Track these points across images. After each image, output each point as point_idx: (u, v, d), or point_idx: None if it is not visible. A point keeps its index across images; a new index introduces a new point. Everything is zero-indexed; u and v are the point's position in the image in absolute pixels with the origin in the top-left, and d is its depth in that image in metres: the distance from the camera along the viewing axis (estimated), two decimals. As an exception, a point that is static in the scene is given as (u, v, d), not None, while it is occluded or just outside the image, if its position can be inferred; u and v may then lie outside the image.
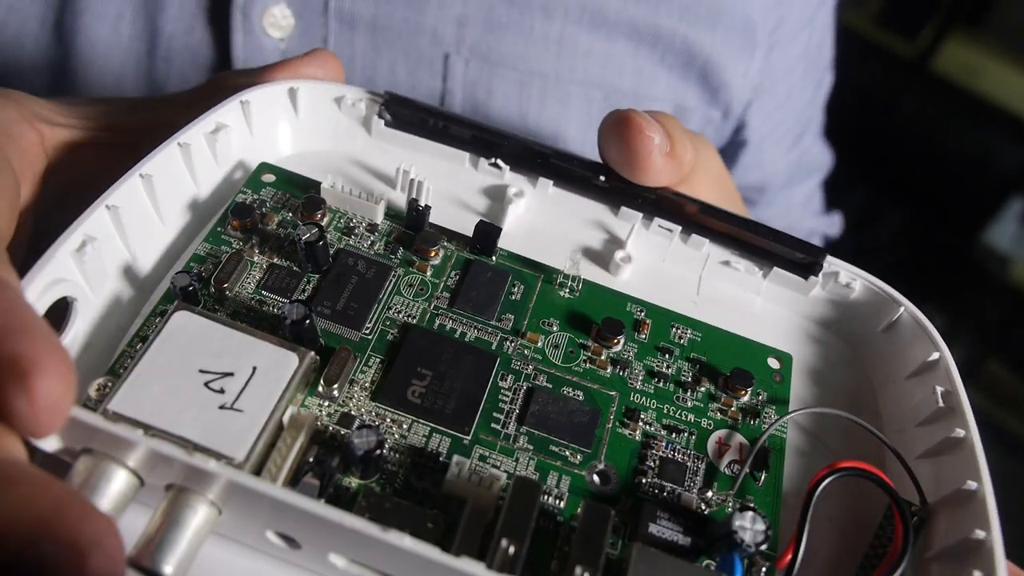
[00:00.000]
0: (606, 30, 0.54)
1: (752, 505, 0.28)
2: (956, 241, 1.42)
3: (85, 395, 0.27)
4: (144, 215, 0.30)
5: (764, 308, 0.36)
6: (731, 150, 0.67)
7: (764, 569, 0.28)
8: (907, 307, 0.34)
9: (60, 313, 0.28)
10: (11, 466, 0.21)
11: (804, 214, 0.77)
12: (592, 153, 0.58)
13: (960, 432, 0.30)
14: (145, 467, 0.24)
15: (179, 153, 0.31)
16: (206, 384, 0.26)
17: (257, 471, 0.26)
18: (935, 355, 0.32)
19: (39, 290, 0.25)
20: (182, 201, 0.32)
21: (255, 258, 0.31)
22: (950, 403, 0.31)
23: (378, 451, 0.26)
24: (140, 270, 0.30)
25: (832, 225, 0.80)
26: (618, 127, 0.33)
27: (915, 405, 0.32)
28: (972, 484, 0.28)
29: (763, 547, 0.26)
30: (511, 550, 0.24)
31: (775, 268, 0.35)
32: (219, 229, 0.32)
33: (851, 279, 0.35)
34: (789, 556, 0.27)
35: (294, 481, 0.26)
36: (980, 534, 0.27)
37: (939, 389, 0.31)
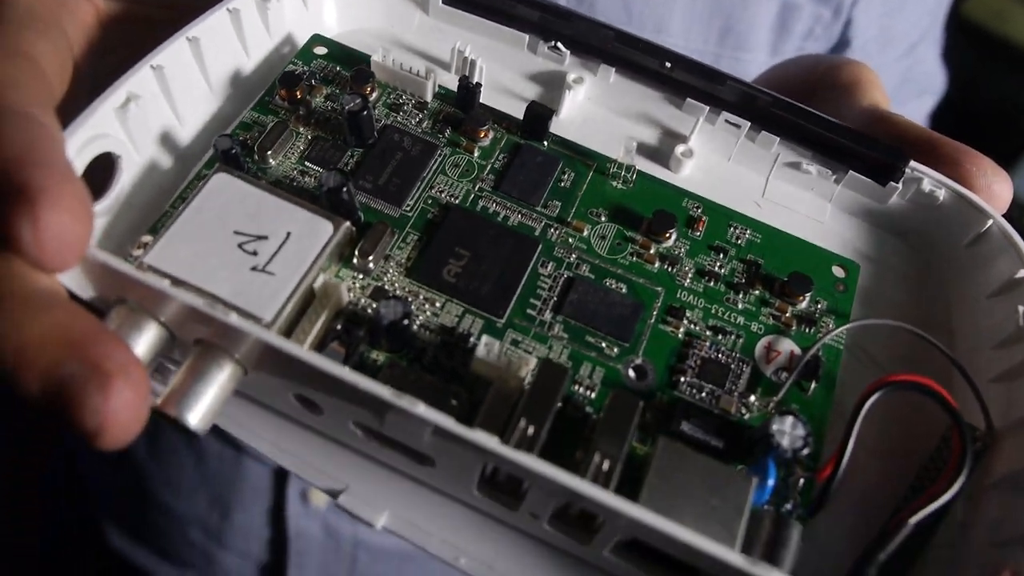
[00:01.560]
0: None
1: (791, 410, 0.26)
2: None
3: (127, 251, 0.27)
4: (191, 79, 0.30)
5: (836, 215, 0.34)
6: (834, 51, 0.62)
7: (802, 480, 0.26)
8: (996, 219, 0.31)
9: (107, 175, 0.28)
10: (47, 294, 0.21)
11: None
12: (694, 47, 0.56)
13: None
14: (175, 321, 0.24)
15: (228, 18, 0.30)
16: (240, 246, 0.26)
17: (286, 335, 0.26)
18: (1022, 272, 0.29)
19: (81, 142, 0.26)
20: (231, 69, 0.32)
21: (300, 129, 0.31)
22: (1032, 322, 0.28)
23: (405, 321, 0.25)
24: (186, 133, 0.30)
25: None
26: None
27: (994, 325, 0.30)
28: (1040, 407, 0.26)
29: (804, 453, 0.25)
30: (530, 430, 0.24)
31: (850, 172, 0.33)
32: (267, 98, 0.31)
33: (936, 186, 0.32)
34: (830, 470, 0.26)
35: (320, 347, 0.26)
36: (1044, 459, 0.25)
37: (1021, 308, 0.29)
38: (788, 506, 0.26)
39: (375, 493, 0.26)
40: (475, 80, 0.32)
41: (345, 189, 0.27)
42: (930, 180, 0.32)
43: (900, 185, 0.32)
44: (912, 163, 0.32)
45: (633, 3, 0.53)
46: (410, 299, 0.28)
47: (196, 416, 0.24)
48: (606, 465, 0.23)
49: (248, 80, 0.32)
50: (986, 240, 0.31)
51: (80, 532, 0.81)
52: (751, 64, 0.57)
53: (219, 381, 0.24)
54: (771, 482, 0.25)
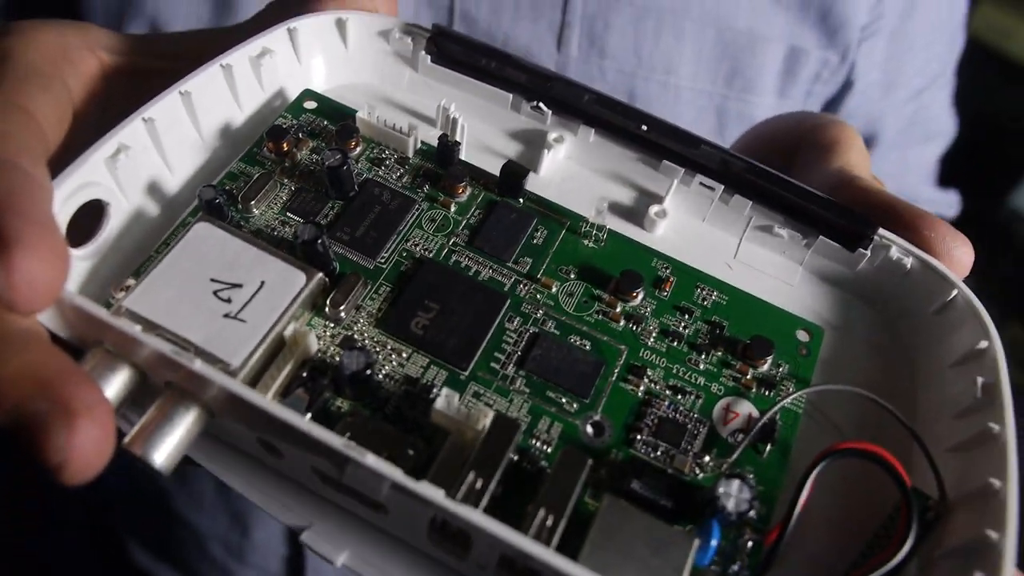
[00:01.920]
0: None
1: (741, 473, 0.27)
2: (983, 204, 1.36)
3: (110, 294, 0.28)
4: (182, 131, 0.31)
5: (805, 279, 0.34)
6: (839, 92, 0.63)
7: (751, 543, 0.27)
8: (961, 289, 0.31)
9: (96, 220, 0.29)
10: (25, 334, 0.23)
11: (920, 183, 0.72)
12: (702, 87, 0.57)
13: (995, 427, 0.28)
14: (147, 364, 0.25)
15: (221, 74, 0.32)
16: (215, 293, 0.27)
17: (254, 382, 0.27)
18: (983, 343, 0.30)
19: (70, 190, 0.27)
20: (223, 121, 0.33)
21: (285, 180, 0.32)
22: (990, 395, 0.29)
23: (367, 372, 0.26)
24: (175, 182, 0.32)
25: (949, 205, 0.74)
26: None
27: (954, 395, 0.30)
28: (996, 482, 0.26)
29: (749, 516, 0.25)
30: (478, 484, 0.24)
31: (820, 237, 0.33)
32: (255, 150, 0.33)
33: (904, 254, 0.32)
34: (777, 534, 0.26)
35: (285, 393, 0.27)
36: (992, 535, 0.25)
37: (980, 380, 0.29)
38: (735, 567, 0.26)
39: (337, 532, 0.27)
40: (455, 138, 0.34)
41: (320, 241, 0.28)
42: (898, 248, 0.33)
43: (868, 252, 0.33)
44: (880, 231, 0.33)
45: (643, 46, 0.55)
46: (378, 349, 0.29)
47: (161, 456, 0.25)
48: (550, 521, 0.24)
49: (239, 132, 0.34)
50: (951, 309, 0.32)
51: (102, 549, 0.82)
52: (758, 107, 0.59)
53: (185, 423, 0.25)
54: (714, 543, 0.25)
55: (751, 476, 0.28)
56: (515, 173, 0.32)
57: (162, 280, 0.27)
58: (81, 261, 0.29)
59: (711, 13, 0.55)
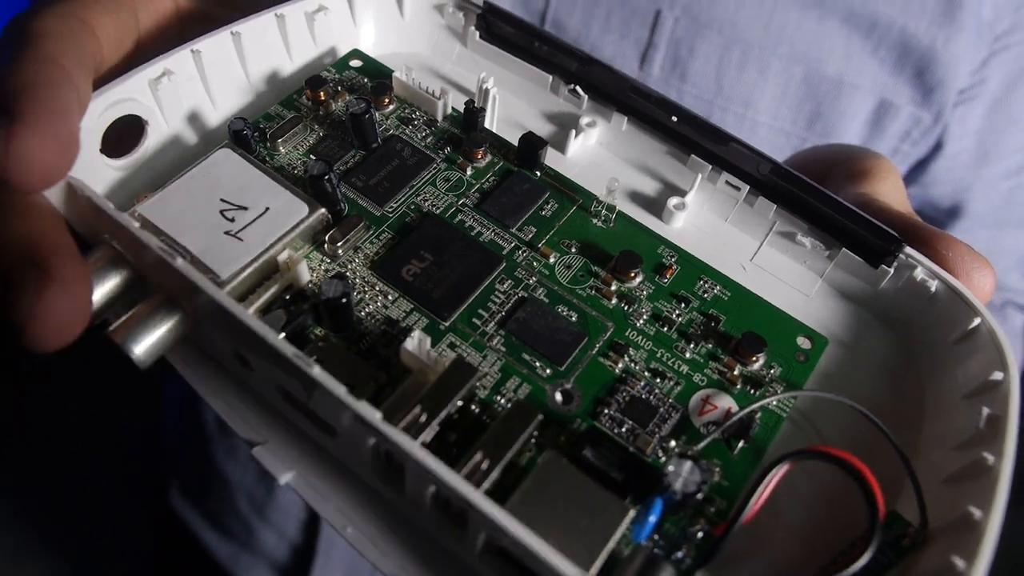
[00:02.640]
0: (820, 11, 0.52)
1: (698, 457, 0.26)
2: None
3: (133, 203, 0.30)
4: (230, 69, 0.34)
5: (823, 292, 0.33)
6: (928, 155, 0.61)
7: (701, 533, 0.25)
8: (985, 319, 0.29)
9: (137, 139, 0.32)
10: (29, 206, 0.25)
11: (1010, 269, 0.67)
12: (780, 126, 0.56)
13: (990, 458, 0.26)
14: (144, 265, 0.27)
15: (275, 22, 0.34)
16: (222, 212, 0.29)
17: (241, 297, 0.28)
18: (998, 375, 0.28)
19: (112, 100, 0.29)
20: (272, 67, 0.35)
21: (315, 127, 0.34)
22: (993, 428, 0.27)
23: (342, 300, 0.27)
24: (217, 117, 0.34)
25: None
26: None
27: (960, 426, 0.28)
28: (976, 512, 0.24)
29: (697, 497, 0.25)
30: (422, 417, 0.24)
31: (844, 249, 0.32)
32: (294, 97, 0.35)
33: (929, 276, 0.31)
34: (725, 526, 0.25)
35: (266, 311, 0.28)
36: (959, 564, 0.23)
37: (986, 411, 0.27)
38: (679, 554, 0.25)
39: (288, 453, 0.28)
40: (489, 111, 0.35)
41: (327, 178, 0.30)
42: (924, 269, 0.31)
43: (892, 270, 0.31)
44: (907, 249, 0.31)
45: (724, 75, 0.55)
46: (365, 288, 0.29)
47: (140, 348, 0.26)
48: (485, 464, 0.24)
49: (287, 80, 0.36)
50: (972, 338, 0.30)
51: (145, 489, 0.86)
52: None
53: (167, 324, 0.27)
54: (652, 519, 0.24)
55: (716, 468, 0.27)
56: (533, 144, 0.33)
57: (177, 194, 0.29)
58: (116, 171, 0.31)
59: (801, 53, 0.54)
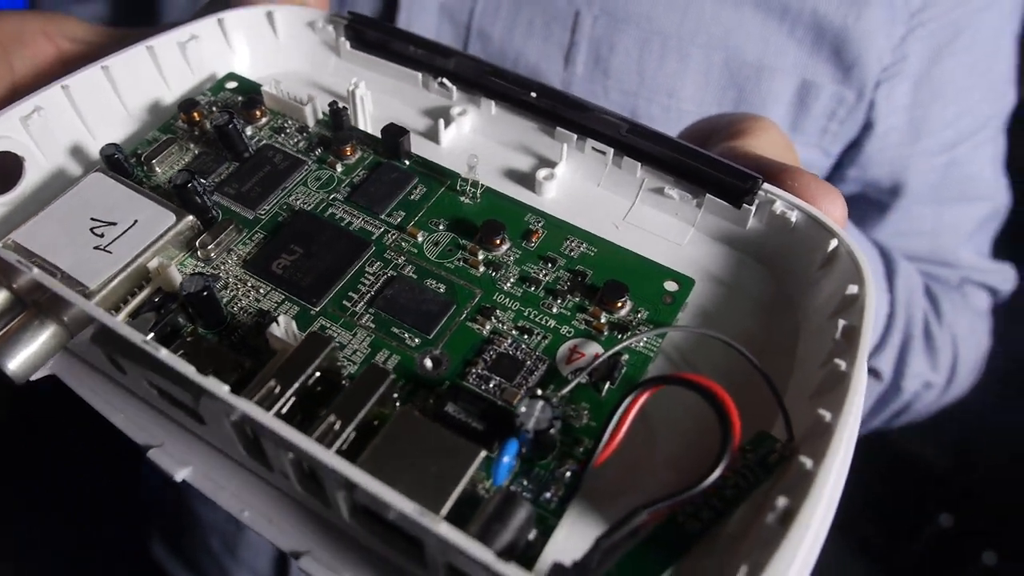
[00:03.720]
0: None
1: (549, 397, 0.26)
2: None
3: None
4: (106, 101, 0.35)
5: (697, 239, 0.34)
6: (860, 135, 0.62)
7: (569, 473, 0.26)
8: (842, 239, 0.30)
9: (16, 171, 0.33)
10: None
11: (958, 245, 0.68)
12: (706, 112, 0.58)
13: (842, 364, 0.26)
14: (17, 286, 0.28)
15: (146, 54, 0.36)
16: (92, 229, 0.30)
17: (114, 306, 0.29)
18: (853, 289, 0.28)
19: (-18, 139, 0.31)
20: (151, 97, 0.37)
21: (191, 145, 0.35)
22: (848, 338, 0.27)
23: (204, 293, 0.28)
24: (97, 146, 0.35)
25: (1004, 279, 0.69)
26: None
27: (825, 345, 0.29)
28: (827, 415, 0.25)
29: (549, 433, 0.25)
30: (276, 389, 0.25)
31: (707, 195, 0.33)
32: (171, 121, 0.36)
33: (788, 208, 0.31)
34: (604, 457, 0.26)
35: (134, 315, 0.29)
36: (807, 463, 0.23)
37: (841, 323, 0.27)
38: (547, 495, 0.25)
39: (183, 452, 0.29)
40: (358, 112, 0.36)
41: (190, 185, 0.31)
42: (782, 202, 0.32)
43: (754, 208, 0.32)
44: (766, 185, 0.32)
45: (646, 68, 0.56)
46: (237, 285, 0.30)
47: (15, 363, 0.27)
48: (337, 425, 0.25)
49: (169, 108, 0.37)
50: (833, 260, 0.30)
51: (129, 545, 0.87)
52: None
53: (41, 337, 0.28)
54: (506, 459, 0.25)
55: (584, 410, 0.27)
56: (393, 134, 0.34)
57: (50, 219, 0.31)
58: (1, 207, 0.32)
59: (719, 41, 0.56)
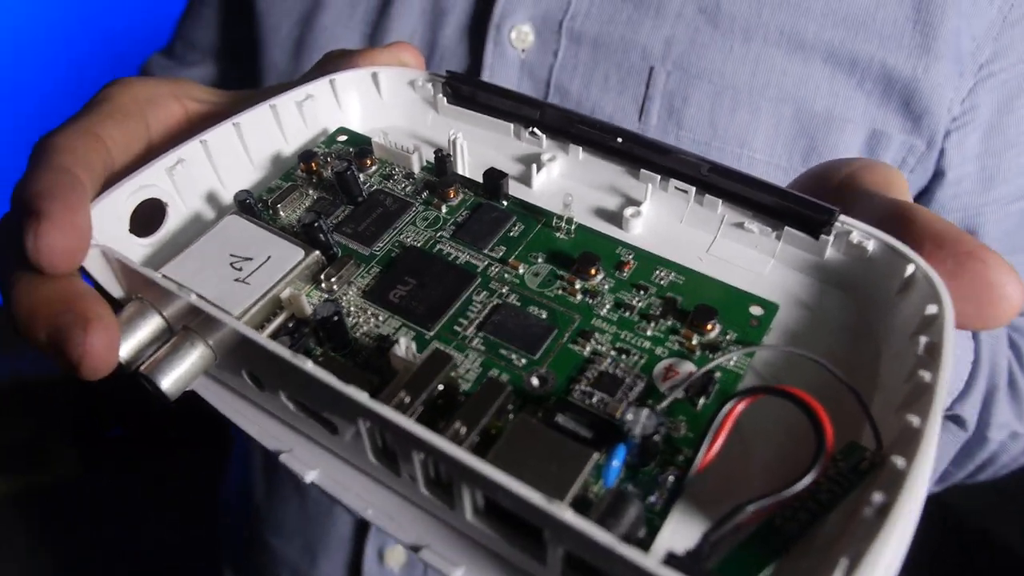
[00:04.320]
0: (803, 54, 0.58)
1: (652, 405, 0.28)
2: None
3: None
4: (235, 155, 0.39)
5: (777, 269, 0.36)
6: (931, 183, 0.63)
7: (672, 478, 0.28)
8: (919, 264, 0.32)
9: (160, 216, 0.37)
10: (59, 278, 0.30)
11: None
12: (777, 162, 0.59)
13: (927, 375, 0.28)
14: (169, 313, 0.32)
15: (269, 112, 0.40)
16: (231, 264, 0.34)
17: (257, 330, 0.33)
18: (933, 309, 0.30)
19: (135, 187, 0.35)
20: (272, 150, 0.41)
21: (310, 191, 0.39)
22: (931, 353, 0.29)
23: (335, 318, 0.31)
24: (227, 194, 0.39)
25: None
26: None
27: (908, 362, 0.30)
28: (915, 420, 0.27)
29: (654, 438, 0.27)
30: (406, 399, 0.28)
31: (786, 228, 0.35)
32: (292, 171, 0.40)
33: (864, 238, 0.34)
34: (705, 463, 0.28)
35: (273, 337, 0.32)
36: (900, 463, 0.25)
37: (923, 340, 0.29)
38: (652, 499, 0.28)
39: (311, 457, 0.32)
40: (459, 161, 0.40)
41: (316, 224, 0.35)
42: (859, 232, 0.34)
43: (831, 238, 0.34)
44: (842, 216, 0.34)
45: (718, 120, 0.60)
46: (359, 313, 0.34)
47: (168, 381, 0.31)
48: (463, 431, 0.27)
49: (287, 160, 0.42)
50: (911, 284, 0.32)
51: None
52: None
53: (191, 358, 0.31)
54: (616, 463, 0.27)
55: (682, 422, 0.30)
56: (494, 177, 0.37)
57: (193, 256, 0.34)
58: (144, 248, 0.36)
59: (789, 94, 0.59)
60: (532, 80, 0.62)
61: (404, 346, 0.31)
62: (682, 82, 0.60)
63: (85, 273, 0.33)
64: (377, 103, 0.44)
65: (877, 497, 0.24)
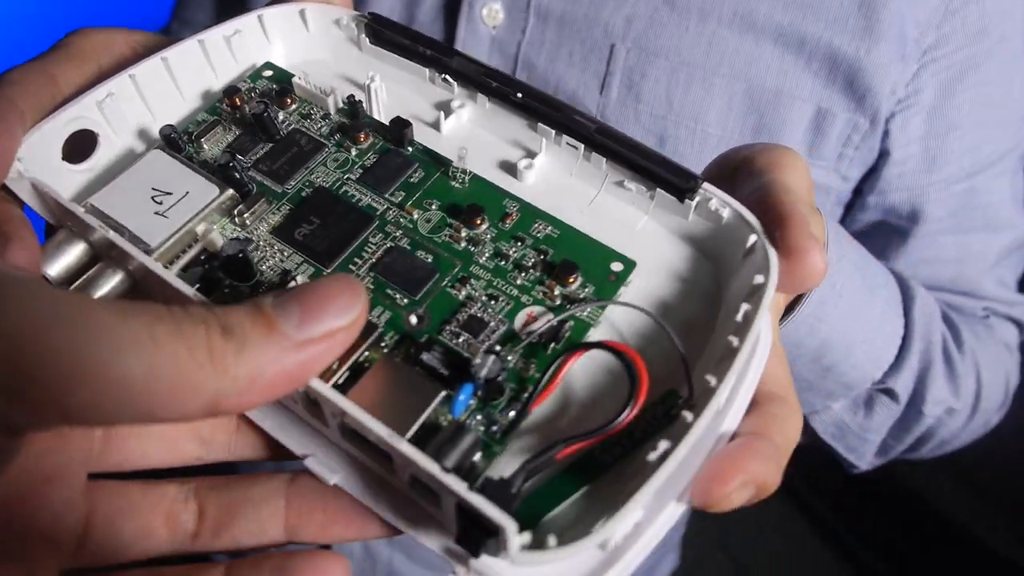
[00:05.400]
0: (754, 34, 0.62)
1: (500, 352, 0.33)
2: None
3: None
4: (165, 89, 0.42)
5: (647, 227, 0.40)
6: (877, 162, 0.67)
7: (512, 413, 0.33)
8: (759, 236, 0.36)
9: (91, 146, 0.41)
10: None
11: (982, 274, 0.71)
12: (729, 136, 0.63)
13: (735, 341, 0.33)
14: (93, 241, 0.36)
15: (198, 47, 0.43)
16: (153, 198, 0.38)
17: (170, 260, 0.37)
18: (760, 279, 0.35)
19: (68, 118, 0.38)
20: (202, 84, 0.44)
21: (233, 127, 0.42)
22: (746, 320, 0.33)
23: (240, 255, 0.35)
24: (157, 125, 0.42)
25: None
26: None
27: (730, 328, 0.35)
28: (712, 380, 0.31)
29: (498, 379, 0.32)
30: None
31: (658, 189, 0.39)
32: (216, 105, 0.43)
33: (721, 206, 0.37)
34: (537, 403, 0.33)
35: (187, 269, 0.37)
36: (689, 417, 0.30)
37: (744, 307, 0.34)
38: (494, 428, 0.33)
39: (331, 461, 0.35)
40: (375, 105, 0.43)
41: (231, 164, 0.38)
42: (717, 200, 0.38)
43: (695, 203, 0.38)
44: (705, 184, 0.38)
45: (674, 95, 0.64)
46: (267, 248, 0.38)
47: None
48: (334, 365, 0.32)
49: (216, 94, 0.44)
50: (752, 253, 0.36)
51: None
52: None
53: (112, 283, 0.35)
54: (462, 397, 0.32)
55: (532, 363, 0.34)
56: (399, 125, 0.41)
57: (120, 187, 0.38)
58: (77, 175, 0.40)
59: (740, 72, 0.62)
60: (502, 56, 0.66)
61: (299, 282, 0.35)
62: (641, 59, 0.63)
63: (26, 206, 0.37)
64: (304, 39, 0.46)
65: (662, 444, 0.29)
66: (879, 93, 0.61)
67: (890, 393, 0.63)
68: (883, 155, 0.65)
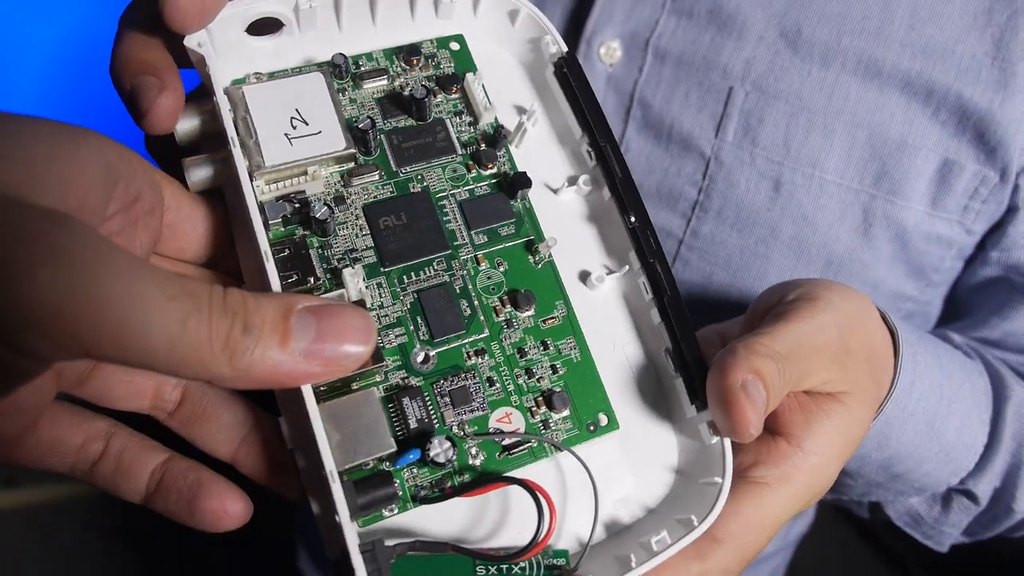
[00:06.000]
0: (879, 82, 0.61)
1: (456, 440, 0.38)
2: None
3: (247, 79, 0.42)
4: (361, 13, 0.44)
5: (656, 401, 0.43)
6: (1005, 217, 0.65)
7: (438, 491, 0.38)
8: (724, 442, 0.39)
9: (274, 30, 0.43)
10: (156, 42, 0.39)
11: None
12: (848, 184, 0.63)
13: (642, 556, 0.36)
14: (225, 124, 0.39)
15: (412, -6, 0.44)
16: (291, 119, 0.41)
17: (274, 180, 0.40)
18: (717, 479, 0.38)
19: (260, 6, 0.41)
20: (396, 26, 0.46)
21: (396, 85, 0.44)
22: (659, 544, 0.37)
23: (326, 221, 0.39)
24: (337, 41, 0.44)
25: None
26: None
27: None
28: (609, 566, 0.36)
29: (444, 464, 0.37)
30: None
31: (680, 380, 0.42)
32: (394, 54, 0.45)
33: (712, 432, 0.40)
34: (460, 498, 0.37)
35: (280, 198, 0.40)
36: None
37: (661, 535, 0.37)
38: (423, 491, 0.38)
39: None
40: (516, 135, 0.45)
41: (369, 133, 0.41)
42: (706, 427, 0.40)
43: (700, 415, 0.41)
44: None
45: (792, 140, 0.62)
46: (350, 219, 0.41)
47: (196, 175, 0.39)
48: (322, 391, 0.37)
49: (403, 38, 0.46)
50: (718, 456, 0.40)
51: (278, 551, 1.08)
52: (907, 211, 0.62)
53: (216, 170, 0.40)
54: (411, 457, 0.36)
55: (481, 456, 0.39)
56: (520, 181, 0.43)
57: (274, 89, 0.41)
58: (252, 49, 0.43)
59: (863, 119, 0.61)
60: (617, 93, 0.66)
61: (353, 272, 0.39)
62: (759, 102, 0.63)
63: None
64: (505, 33, 0.47)
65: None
66: (1011, 146, 0.59)
67: (969, 495, 0.63)
68: (1011, 210, 0.63)
